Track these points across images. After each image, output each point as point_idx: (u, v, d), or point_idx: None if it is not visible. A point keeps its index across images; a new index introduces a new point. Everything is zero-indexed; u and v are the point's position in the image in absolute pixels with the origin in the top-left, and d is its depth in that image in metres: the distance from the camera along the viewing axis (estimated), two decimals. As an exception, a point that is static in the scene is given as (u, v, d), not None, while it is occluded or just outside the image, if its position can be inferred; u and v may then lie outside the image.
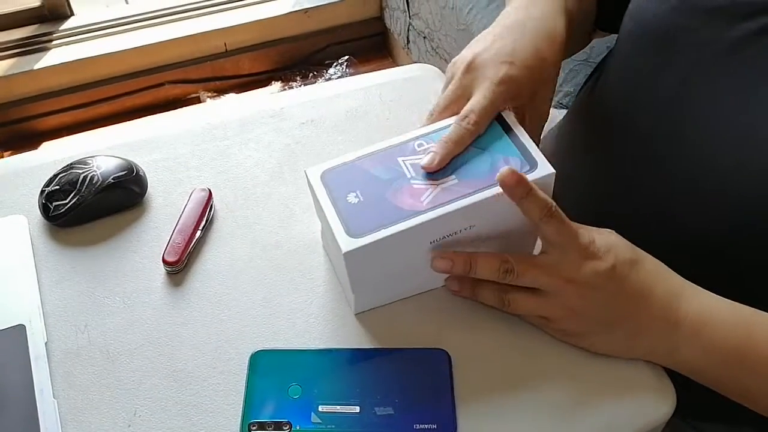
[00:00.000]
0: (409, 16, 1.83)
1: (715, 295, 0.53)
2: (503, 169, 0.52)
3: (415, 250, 0.55)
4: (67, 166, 0.65)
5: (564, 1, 0.65)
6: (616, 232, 0.55)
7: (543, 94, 0.61)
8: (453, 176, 0.54)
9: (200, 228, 0.63)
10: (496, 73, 0.57)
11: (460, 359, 0.55)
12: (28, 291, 0.59)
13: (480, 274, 0.54)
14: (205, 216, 0.64)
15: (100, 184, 0.63)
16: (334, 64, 1.99)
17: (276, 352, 0.55)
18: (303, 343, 0.56)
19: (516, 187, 0.51)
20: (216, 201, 0.66)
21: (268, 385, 0.53)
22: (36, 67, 1.78)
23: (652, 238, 0.56)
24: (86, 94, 1.86)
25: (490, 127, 0.57)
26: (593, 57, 1.22)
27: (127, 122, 1.87)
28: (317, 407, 0.52)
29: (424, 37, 1.76)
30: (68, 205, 0.63)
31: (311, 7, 1.96)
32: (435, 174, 0.55)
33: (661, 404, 0.54)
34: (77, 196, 0.63)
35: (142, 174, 0.67)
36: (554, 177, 0.54)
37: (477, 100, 0.57)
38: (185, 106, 1.95)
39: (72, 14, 1.88)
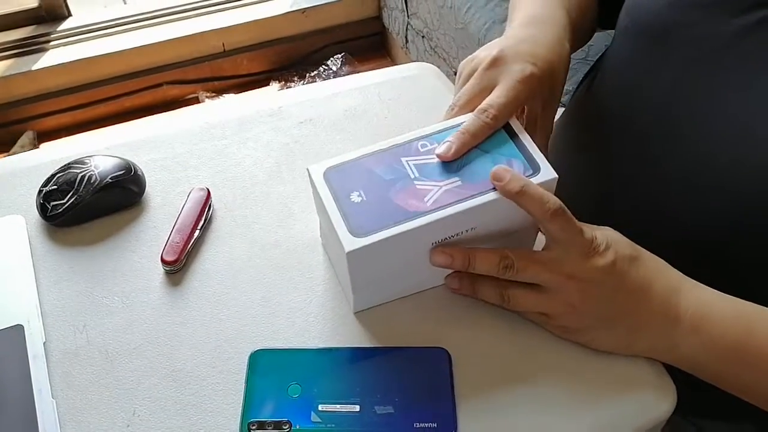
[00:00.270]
0: (408, 16, 1.83)
1: (714, 290, 0.53)
2: (496, 167, 0.52)
3: (417, 251, 0.54)
4: (65, 165, 0.65)
5: (567, 15, 0.65)
6: (615, 229, 0.55)
7: (552, 104, 0.61)
8: (457, 178, 0.54)
9: (199, 227, 0.63)
10: (522, 70, 0.57)
11: (459, 358, 0.55)
12: (26, 291, 0.59)
13: (479, 269, 0.54)
14: (204, 215, 0.64)
15: (98, 184, 0.63)
16: (329, 60, 1.99)
17: (275, 351, 0.55)
18: (302, 343, 0.56)
19: (510, 182, 0.52)
20: (214, 200, 0.66)
21: (268, 384, 0.53)
22: (34, 67, 1.78)
23: (651, 236, 0.56)
24: (84, 95, 1.86)
25: (495, 132, 0.57)
26: (591, 55, 1.22)
27: (126, 123, 1.86)
28: (317, 406, 0.52)
29: (423, 37, 1.76)
30: (66, 205, 0.63)
31: (309, 7, 1.96)
32: (439, 175, 0.54)
33: (662, 401, 0.54)
34: (75, 196, 0.63)
35: (140, 173, 0.66)
36: (557, 182, 0.55)
37: (498, 95, 0.56)
38: (184, 106, 1.95)
39: (70, 15, 1.87)
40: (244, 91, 1.98)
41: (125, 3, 2.01)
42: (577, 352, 0.55)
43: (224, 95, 1.95)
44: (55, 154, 0.70)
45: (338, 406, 0.52)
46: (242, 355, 0.55)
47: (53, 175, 0.65)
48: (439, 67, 0.84)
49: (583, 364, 0.55)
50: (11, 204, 0.66)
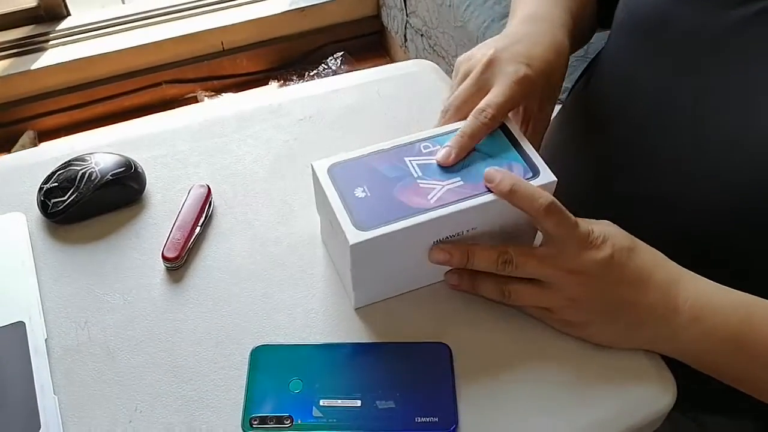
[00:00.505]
0: (406, 14, 1.83)
1: (713, 282, 0.53)
2: (488, 169, 0.54)
3: (419, 247, 0.55)
4: (66, 163, 0.65)
5: (567, 12, 0.66)
6: (613, 219, 0.55)
7: (548, 103, 0.62)
8: (458, 178, 0.55)
9: (199, 224, 0.63)
10: (516, 72, 0.58)
11: (460, 353, 0.55)
12: (28, 288, 0.59)
13: (478, 265, 0.54)
14: (205, 212, 0.64)
15: (98, 181, 0.63)
16: (328, 59, 1.99)
17: (276, 347, 0.55)
18: (303, 338, 0.56)
19: (501, 182, 0.53)
20: (215, 197, 0.66)
21: (269, 379, 0.53)
22: (33, 67, 1.78)
23: (649, 226, 0.56)
24: (83, 94, 1.86)
25: (494, 136, 0.58)
26: (590, 53, 1.22)
27: (125, 122, 1.86)
28: (318, 401, 0.52)
29: (422, 35, 1.76)
30: (67, 202, 0.63)
31: (308, 6, 1.96)
32: (441, 175, 0.55)
33: (662, 395, 0.54)
34: (76, 193, 0.63)
35: (140, 171, 0.67)
36: (555, 185, 0.56)
37: (495, 95, 0.57)
38: (182, 105, 1.95)
39: (68, 14, 1.87)
40: (243, 91, 1.98)
41: (123, 2, 2.00)
42: (577, 347, 0.56)
43: (223, 94, 1.95)
44: (56, 151, 0.70)
45: (340, 400, 0.52)
46: (243, 351, 0.55)
47: (54, 173, 0.65)
48: (438, 65, 0.84)
49: (584, 359, 0.55)
50: (12, 201, 0.66)
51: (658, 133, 0.62)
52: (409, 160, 0.57)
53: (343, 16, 2.03)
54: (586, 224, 0.53)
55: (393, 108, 0.76)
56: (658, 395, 0.54)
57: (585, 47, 1.21)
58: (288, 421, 0.51)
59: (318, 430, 0.50)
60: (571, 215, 0.53)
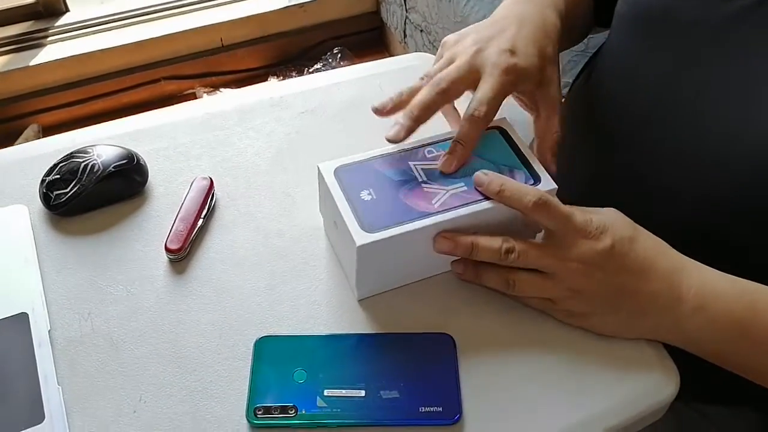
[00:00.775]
0: (406, 10, 1.83)
1: (716, 270, 0.53)
2: (476, 174, 0.56)
3: (422, 249, 0.56)
4: (68, 155, 0.65)
5: None
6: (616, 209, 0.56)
7: (549, 80, 0.62)
8: (462, 183, 0.57)
9: (202, 216, 0.63)
10: (503, 61, 0.58)
11: (463, 343, 0.55)
12: (31, 280, 0.59)
13: (482, 255, 0.54)
14: (207, 204, 0.64)
15: (101, 173, 0.63)
16: (327, 55, 1.99)
17: (280, 338, 0.55)
18: (307, 330, 0.56)
19: (490, 184, 0.54)
20: (217, 190, 0.66)
21: (274, 370, 0.53)
22: (31, 63, 1.77)
23: (651, 216, 0.56)
24: (82, 91, 1.86)
25: (496, 143, 0.60)
26: (591, 48, 1.22)
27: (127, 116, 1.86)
28: (323, 391, 0.52)
29: (421, 31, 1.76)
30: (69, 194, 0.63)
31: (307, 2, 1.96)
32: (445, 180, 0.57)
33: (665, 386, 0.54)
34: (78, 185, 0.63)
35: (142, 163, 0.67)
36: (556, 192, 0.57)
37: (483, 91, 0.58)
38: (181, 102, 1.93)
39: (67, 10, 1.87)
40: (242, 87, 1.98)
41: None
42: (580, 337, 0.56)
43: (222, 90, 1.95)
44: (58, 144, 0.70)
45: (344, 391, 0.52)
46: (247, 341, 0.55)
47: (56, 165, 0.65)
48: (438, 59, 0.84)
49: (587, 349, 0.55)
50: (14, 193, 0.66)
51: (660, 126, 0.62)
52: (414, 165, 0.58)
53: (342, 12, 2.02)
54: (585, 214, 0.54)
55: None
56: (661, 385, 0.54)
57: (585, 41, 1.21)
58: (292, 411, 0.51)
59: (322, 419, 0.50)
60: (563, 207, 0.54)
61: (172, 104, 1.95)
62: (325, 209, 0.61)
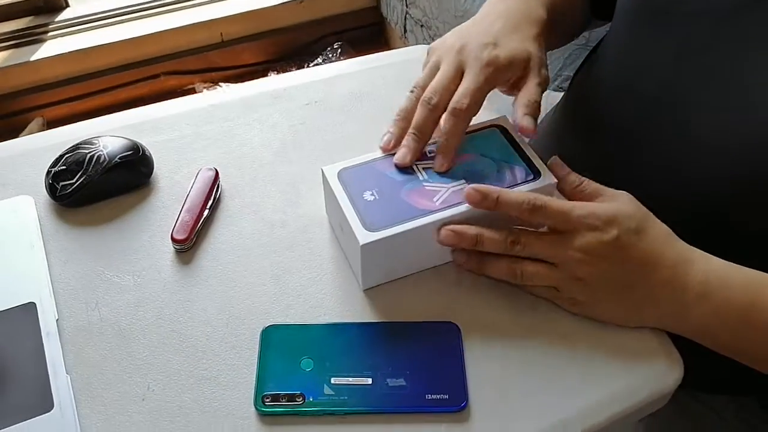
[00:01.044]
0: (406, 5, 1.83)
1: (723, 260, 0.54)
2: (466, 189, 0.55)
3: (425, 245, 0.57)
4: (74, 146, 0.65)
5: None
6: None
7: (534, 65, 0.62)
8: (463, 180, 0.58)
9: (208, 206, 0.63)
10: (485, 54, 0.59)
11: (469, 332, 0.56)
12: (37, 270, 0.59)
13: (487, 247, 0.55)
14: (213, 195, 0.64)
15: (106, 164, 0.63)
16: (327, 50, 1.99)
17: (287, 326, 0.56)
18: (313, 319, 0.57)
19: (482, 201, 0.54)
20: (222, 181, 0.66)
21: (281, 358, 0.54)
22: (32, 58, 1.78)
23: (653, 207, 0.56)
24: (82, 86, 1.86)
25: (495, 139, 0.61)
26: (592, 41, 1.23)
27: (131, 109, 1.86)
28: (330, 379, 0.52)
29: (422, 26, 1.77)
30: (75, 185, 0.63)
31: (307, -3, 1.96)
32: (446, 178, 0.58)
33: (669, 374, 0.54)
34: (84, 176, 0.63)
35: (148, 154, 0.67)
36: (556, 187, 0.58)
37: (467, 84, 0.59)
38: (181, 97, 1.94)
39: (67, 5, 1.87)
40: (242, 83, 1.98)
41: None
42: (584, 325, 0.56)
43: (222, 84, 1.95)
44: (63, 135, 0.70)
45: (351, 379, 0.52)
46: (254, 330, 0.56)
47: (62, 156, 0.65)
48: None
49: (591, 337, 0.56)
50: (20, 184, 0.66)
51: (661, 116, 0.62)
52: (415, 164, 0.60)
53: (342, 7, 2.03)
54: (584, 208, 0.54)
55: (397, 92, 0.76)
56: (665, 373, 0.54)
57: (587, 35, 1.21)
58: (300, 399, 0.51)
59: (330, 407, 0.51)
60: (560, 205, 0.54)
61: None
62: (330, 210, 0.62)
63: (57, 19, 1.84)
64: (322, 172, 0.59)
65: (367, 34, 2.08)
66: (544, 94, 0.65)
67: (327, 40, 2.03)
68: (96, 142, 0.65)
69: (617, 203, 0.55)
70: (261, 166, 0.69)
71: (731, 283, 0.53)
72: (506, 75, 0.60)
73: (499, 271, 0.56)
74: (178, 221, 0.62)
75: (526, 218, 0.54)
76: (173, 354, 0.55)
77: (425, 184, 0.58)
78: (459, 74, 0.60)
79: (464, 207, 0.56)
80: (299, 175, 0.68)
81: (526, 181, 0.58)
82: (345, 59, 1.91)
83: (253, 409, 0.51)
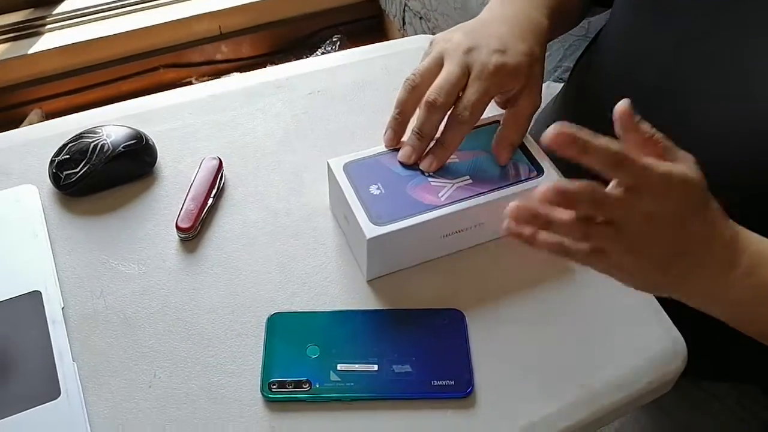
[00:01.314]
0: (405, -3, 1.83)
1: (764, 238, 0.51)
2: (554, 129, 0.45)
3: (430, 239, 0.58)
4: (77, 135, 0.65)
5: None
6: None
7: (534, 81, 0.62)
8: (467, 176, 0.59)
9: (212, 195, 0.63)
10: (491, 62, 0.59)
11: (473, 318, 0.56)
12: (42, 258, 0.59)
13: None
14: (217, 184, 0.64)
15: (110, 153, 0.63)
16: (326, 43, 1.98)
17: (293, 314, 0.56)
18: (318, 306, 0.57)
19: (571, 145, 0.45)
20: (226, 170, 0.66)
21: (287, 345, 0.54)
22: (30, 51, 1.77)
23: None
24: (80, 79, 1.85)
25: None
26: (591, 32, 1.23)
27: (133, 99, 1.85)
28: (336, 366, 0.52)
29: (421, 18, 1.76)
30: (79, 174, 0.63)
31: (306, -10, 1.95)
32: (451, 174, 0.59)
33: (673, 359, 0.55)
34: (88, 165, 0.63)
35: (151, 143, 0.67)
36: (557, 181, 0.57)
37: (470, 95, 0.58)
38: (180, 90, 1.94)
39: (65, -2, 1.86)
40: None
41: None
42: (590, 310, 0.57)
43: (221, 78, 1.95)
44: (66, 125, 0.70)
45: (357, 365, 0.53)
46: (259, 318, 0.56)
47: (65, 145, 0.65)
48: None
49: (596, 323, 0.56)
50: (24, 174, 0.66)
51: (662, 103, 0.62)
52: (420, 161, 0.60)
53: (340, 0, 2.02)
54: (661, 168, 0.47)
55: (400, 82, 0.75)
56: (668, 360, 0.55)
57: (586, 26, 1.22)
58: (306, 385, 0.51)
59: (336, 393, 0.51)
60: (644, 163, 0.47)
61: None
62: (334, 202, 0.62)
63: (55, 12, 1.83)
64: (328, 164, 0.59)
65: (365, 27, 2.08)
66: (544, 85, 0.65)
67: (326, 32, 2.02)
68: (99, 131, 0.65)
69: (686, 167, 0.49)
70: (264, 156, 0.69)
71: None
72: (509, 85, 0.60)
73: (568, 230, 0.47)
74: (183, 210, 0.62)
75: (610, 170, 0.46)
76: (179, 342, 0.55)
77: (430, 179, 0.59)
78: (465, 76, 0.59)
79: (468, 203, 0.57)
80: (302, 165, 0.68)
81: (529, 178, 0.59)
82: (343, 49, 1.89)
83: (259, 395, 0.51)
